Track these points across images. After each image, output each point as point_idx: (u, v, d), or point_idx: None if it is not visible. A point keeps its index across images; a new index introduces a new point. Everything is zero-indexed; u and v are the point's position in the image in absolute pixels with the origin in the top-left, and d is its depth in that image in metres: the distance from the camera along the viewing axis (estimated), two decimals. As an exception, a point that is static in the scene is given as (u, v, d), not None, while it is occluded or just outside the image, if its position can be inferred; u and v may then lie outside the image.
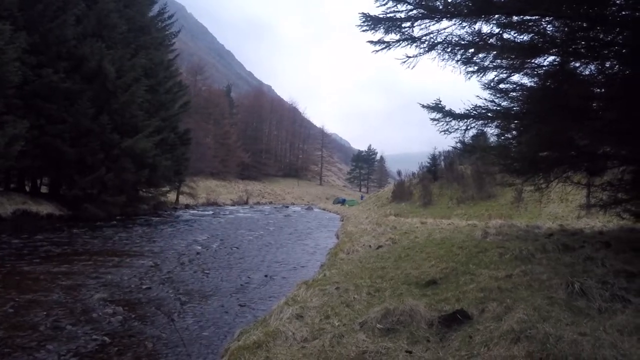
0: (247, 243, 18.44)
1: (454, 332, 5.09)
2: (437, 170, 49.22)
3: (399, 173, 60.53)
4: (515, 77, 11.20)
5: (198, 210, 40.21)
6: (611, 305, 5.54)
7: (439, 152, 51.39)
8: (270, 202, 70.97)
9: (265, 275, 11.70)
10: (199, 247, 16.48)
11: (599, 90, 10.50)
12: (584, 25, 8.61)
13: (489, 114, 11.72)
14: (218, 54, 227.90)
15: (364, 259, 11.97)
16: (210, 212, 38.46)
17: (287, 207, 60.89)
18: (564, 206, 24.45)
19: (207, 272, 11.79)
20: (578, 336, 4.31)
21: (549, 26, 9.07)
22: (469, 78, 10.94)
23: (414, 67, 10.56)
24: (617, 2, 8.34)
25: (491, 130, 13.36)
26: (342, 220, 32.32)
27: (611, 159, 11.91)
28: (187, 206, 43.81)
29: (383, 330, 5.35)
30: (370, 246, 14.76)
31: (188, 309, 8.26)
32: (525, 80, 11.27)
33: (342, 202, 72.93)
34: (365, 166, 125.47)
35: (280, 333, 5.63)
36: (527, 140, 11.99)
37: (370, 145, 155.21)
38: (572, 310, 5.37)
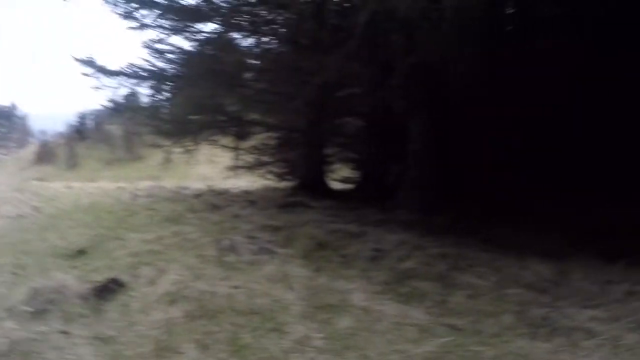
0: None
1: (109, 303, 4.70)
2: (85, 130, 46.66)
3: (44, 133, 55.51)
4: (175, 39, 11.06)
5: None
6: (259, 257, 5.86)
7: (89, 110, 48.49)
8: None
9: None
10: None
11: (253, 61, 11.07)
12: (249, 1, 8.91)
13: (144, 74, 11.41)
14: None
15: (3, 232, 10.50)
16: None
17: None
18: (212, 168, 25.47)
19: None
20: (232, 289, 4.43)
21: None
22: (130, 34, 10.47)
23: (67, 16, 9.62)
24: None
25: (144, 91, 13.01)
26: (-23, 189, 28.09)
27: (258, 125, 12.78)
28: None
29: (33, 314, 4.64)
30: (10, 217, 13.06)
31: None
32: (185, 44, 11.23)
33: (-25, 167, 63.48)
34: (6, 124, 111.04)
35: None
36: (180, 103, 12.09)
37: (12, 101, 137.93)
38: (224, 266, 5.50)
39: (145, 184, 17.98)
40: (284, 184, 13.28)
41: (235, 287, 4.54)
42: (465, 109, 8.79)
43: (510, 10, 9.49)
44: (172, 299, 4.29)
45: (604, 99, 7.85)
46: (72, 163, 40.26)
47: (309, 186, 11.87)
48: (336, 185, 13.46)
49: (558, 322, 4.19)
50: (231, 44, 10.53)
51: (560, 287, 5.28)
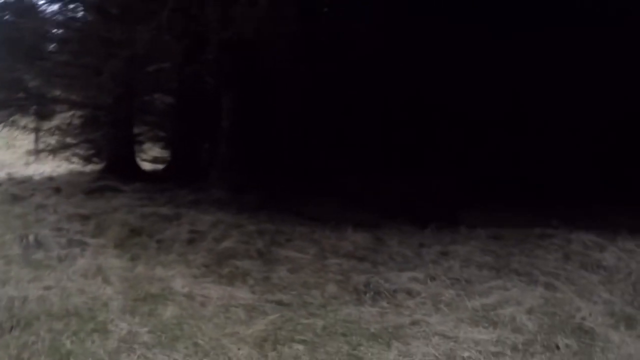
0: None
1: None
2: None
3: None
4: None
5: None
6: (70, 251, 5.49)
7: None
8: None
9: None
10: None
11: (56, 31, 10.23)
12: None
13: None
14: None
15: None
16: None
17: None
18: (11, 153, 23.05)
19: None
20: (44, 291, 4.05)
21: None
22: None
23: None
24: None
25: None
26: None
27: (61, 103, 11.88)
28: None
29: None
30: None
31: None
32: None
33: None
34: None
35: None
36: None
37: None
38: (32, 265, 5.03)
39: None
40: (90, 168, 12.53)
41: (48, 288, 4.16)
42: (278, 85, 8.93)
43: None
44: (-23, 310, 3.78)
45: (399, 79, 8.48)
46: None
47: (118, 168, 11.36)
48: (147, 166, 13.02)
49: (380, 286, 4.53)
50: (32, 10, 9.58)
51: (378, 253, 5.68)
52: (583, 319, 3.76)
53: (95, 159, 12.55)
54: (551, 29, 7.80)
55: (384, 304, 4.18)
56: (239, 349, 3.25)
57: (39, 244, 5.70)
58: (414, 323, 3.72)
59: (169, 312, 3.88)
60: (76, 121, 12.42)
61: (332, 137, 9.00)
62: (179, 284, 4.51)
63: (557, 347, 3.35)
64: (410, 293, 4.37)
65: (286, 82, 8.73)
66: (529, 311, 3.86)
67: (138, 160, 12.60)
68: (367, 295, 4.37)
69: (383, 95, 8.57)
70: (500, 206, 7.27)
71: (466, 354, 3.24)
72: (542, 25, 7.81)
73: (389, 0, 8.28)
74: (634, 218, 6.61)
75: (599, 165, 7.92)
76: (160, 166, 12.87)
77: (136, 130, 12.45)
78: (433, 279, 4.72)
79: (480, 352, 3.26)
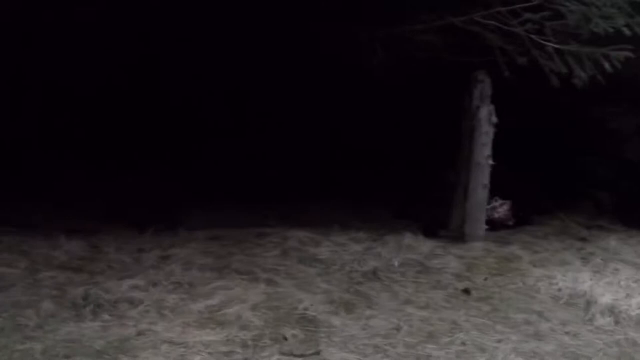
0: None
1: None
2: None
3: None
4: None
5: None
6: None
7: None
8: None
9: None
10: None
11: None
12: None
13: None
14: None
15: None
16: None
17: None
18: None
19: None
20: None
21: None
22: None
23: None
24: None
25: None
26: None
27: None
28: None
29: None
30: None
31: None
32: None
33: None
34: None
35: None
36: None
37: None
38: None
39: None
40: None
41: None
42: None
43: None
44: None
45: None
46: None
47: None
48: None
49: (100, 298, 4.36)
50: None
51: (95, 262, 5.44)
52: (306, 309, 4.20)
53: None
54: (273, 30, 8.08)
55: (106, 316, 4.05)
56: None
57: None
58: (140, 333, 3.72)
59: None
60: None
61: (43, 136, 8.29)
62: None
63: (285, 339, 3.69)
64: (132, 302, 4.30)
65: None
66: (254, 308, 4.17)
67: None
68: (87, 309, 4.16)
69: (94, 94, 8.22)
70: (218, 208, 7.49)
71: (197, 358, 3.39)
72: (266, 24, 8.03)
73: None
74: (345, 214, 7.47)
75: (312, 166, 8.57)
76: None
77: None
78: (155, 285, 4.72)
79: (211, 353, 3.44)
